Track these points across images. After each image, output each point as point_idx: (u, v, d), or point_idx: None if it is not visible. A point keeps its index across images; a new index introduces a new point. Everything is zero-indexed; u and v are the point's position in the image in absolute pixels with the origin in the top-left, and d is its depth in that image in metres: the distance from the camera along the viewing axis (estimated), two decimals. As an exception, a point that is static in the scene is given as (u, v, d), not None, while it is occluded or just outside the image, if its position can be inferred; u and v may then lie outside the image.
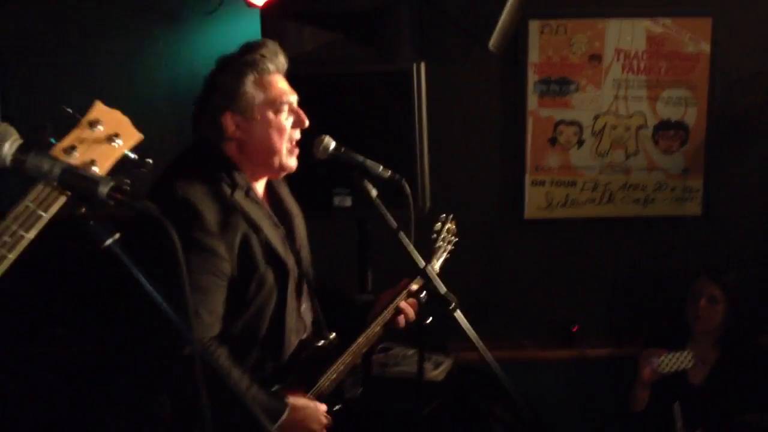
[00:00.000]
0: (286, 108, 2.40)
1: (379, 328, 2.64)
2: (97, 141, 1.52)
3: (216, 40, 3.99)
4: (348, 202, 3.52)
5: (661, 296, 4.21)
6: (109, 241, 1.31)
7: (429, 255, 2.76)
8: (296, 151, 2.46)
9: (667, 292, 4.13)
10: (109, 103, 1.57)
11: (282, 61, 2.43)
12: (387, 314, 2.65)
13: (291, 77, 2.50)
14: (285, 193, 2.64)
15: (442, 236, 2.85)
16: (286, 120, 2.41)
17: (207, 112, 2.38)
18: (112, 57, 4.09)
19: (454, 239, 2.91)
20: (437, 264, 2.81)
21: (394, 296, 2.67)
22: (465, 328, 2.42)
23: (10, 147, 1.38)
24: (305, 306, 2.60)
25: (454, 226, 2.92)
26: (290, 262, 2.47)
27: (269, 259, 2.37)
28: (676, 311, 3.81)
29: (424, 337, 2.76)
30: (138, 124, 1.64)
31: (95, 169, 1.48)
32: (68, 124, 1.51)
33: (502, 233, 4.32)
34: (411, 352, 3.91)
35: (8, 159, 1.39)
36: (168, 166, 2.38)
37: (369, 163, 2.49)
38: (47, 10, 4.04)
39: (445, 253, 2.86)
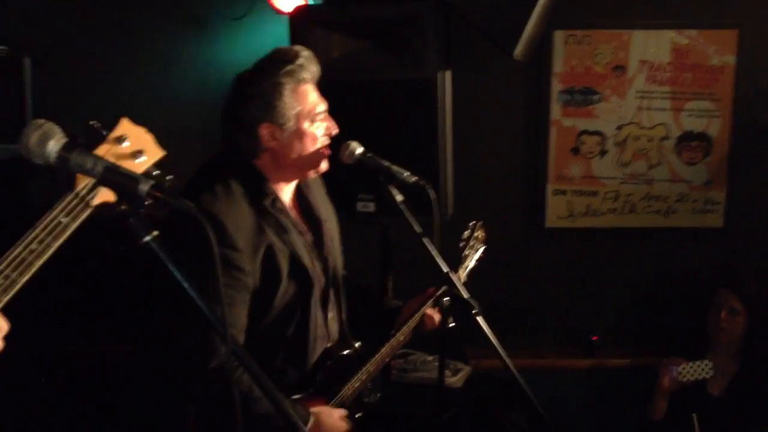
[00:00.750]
0: (320, 118, 2.42)
1: (403, 337, 2.66)
2: (123, 157, 1.57)
3: (244, 45, 4.04)
4: (371, 207, 3.56)
5: (682, 307, 4.21)
6: (147, 238, 1.35)
7: (457, 262, 2.78)
8: (327, 152, 2.47)
9: (687, 303, 4.13)
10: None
11: (315, 69, 2.43)
12: (412, 323, 2.67)
13: (318, 83, 2.53)
14: (316, 196, 2.63)
15: (471, 243, 2.87)
16: (318, 129, 2.42)
17: (243, 122, 2.36)
18: (141, 61, 4.16)
19: (483, 246, 2.93)
20: (464, 272, 2.83)
21: (420, 304, 2.69)
22: (487, 334, 2.44)
23: (55, 144, 1.43)
24: (332, 314, 2.60)
25: (483, 234, 2.94)
26: (316, 271, 2.48)
27: (294, 269, 2.38)
28: (697, 322, 3.82)
29: (445, 343, 2.77)
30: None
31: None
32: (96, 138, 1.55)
33: (524, 241, 4.34)
34: (430, 358, 3.93)
35: (53, 156, 1.43)
36: (194, 176, 2.39)
37: (394, 168, 2.52)
38: (78, 15, 4.11)
39: (473, 261, 2.88)
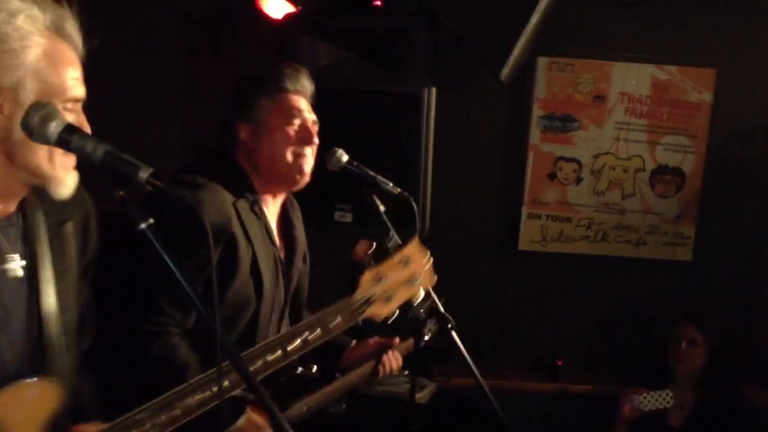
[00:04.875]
0: (296, 121, 2.44)
1: (356, 379, 2.69)
2: (401, 278, 1.82)
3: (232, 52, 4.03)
4: (349, 217, 3.56)
5: (646, 337, 4.27)
6: (143, 225, 1.35)
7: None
8: (306, 167, 2.47)
9: (652, 333, 4.18)
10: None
11: (304, 83, 2.49)
12: (366, 368, 2.72)
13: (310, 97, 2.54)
14: (297, 221, 2.66)
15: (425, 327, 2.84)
16: (294, 132, 2.44)
17: (224, 121, 2.45)
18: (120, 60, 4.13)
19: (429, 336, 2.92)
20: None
21: (379, 349, 2.74)
22: (461, 349, 2.45)
23: (56, 126, 1.43)
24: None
25: (435, 328, 2.91)
26: (278, 286, 2.47)
27: (252, 272, 2.37)
28: (659, 353, 3.87)
29: (412, 360, 2.78)
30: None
31: (391, 305, 1.77)
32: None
33: (495, 262, 4.37)
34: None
35: (54, 137, 1.43)
36: (177, 170, 2.40)
37: (379, 179, 2.53)
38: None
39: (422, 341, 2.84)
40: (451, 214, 4.08)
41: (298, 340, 1.93)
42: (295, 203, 2.66)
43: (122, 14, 4.17)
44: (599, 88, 4.31)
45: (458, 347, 2.46)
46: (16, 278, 1.64)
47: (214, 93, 2.83)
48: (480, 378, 2.45)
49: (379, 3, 3.80)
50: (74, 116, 1.61)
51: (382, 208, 2.52)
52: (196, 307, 1.39)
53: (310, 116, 2.48)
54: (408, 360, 3.87)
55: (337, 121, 3.44)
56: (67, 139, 1.43)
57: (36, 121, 1.46)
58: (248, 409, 2.30)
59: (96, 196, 1.87)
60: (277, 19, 3.81)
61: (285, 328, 2.55)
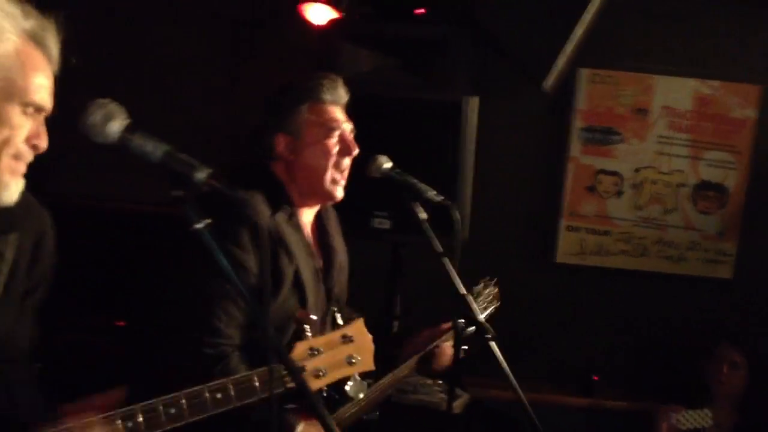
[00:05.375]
0: (336, 134, 2.43)
1: (407, 371, 2.64)
2: (339, 354, 1.79)
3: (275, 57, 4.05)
4: (387, 224, 3.55)
5: (685, 354, 4.19)
6: (199, 225, 1.36)
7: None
8: (343, 181, 2.47)
9: (690, 351, 4.11)
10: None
11: (341, 93, 2.47)
12: (415, 360, 2.67)
13: (345, 105, 2.53)
14: (333, 228, 2.64)
15: (484, 299, 2.84)
16: (334, 145, 2.43)
17: (261, 132, 2.43)
18: (154, 64, 4.17)
19: (496, 304, 2.90)
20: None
21: (430, 338, 2.68)
22: (499, 360, 2.41)
23: (118, 125, 1.44)
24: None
25: (495, 289, 2.91)
26: (319, 296, 2.46)
27: (295, 285, 2.36)
28: (698, 371, 3.80)
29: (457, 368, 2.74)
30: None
31: (321, 381, 1.76)
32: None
33: (532, 273, 4.33)
34: (430, 381, 3.90)
35: (115, 136, 1.45)
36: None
37: (421, 186, 2.52)
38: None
39: (482, 317, 2.82)
40: (488, 224, 4.05)
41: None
42: (331, 211, 2.64)
43: (166, 17, 4.23)
44: (641, 101, 4.26)
45: (497, 359, 2.42)
46: None
47: (256, 97, 2.83)
48: (519, 391, 2.42)
49: (421, 11, 3.81)
50: (33, 124, 1.61)
51: (423, 216, 2.50)
52: (250, 309, 1.38)
53: (348, 126, 2.47)
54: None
55: (377, 129, 3.44)
56: (129, 138, 1.45)
57: (98, 120, 1.47)
58: (301, 423, 2.30)
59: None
60: (320, 26, 3.82)
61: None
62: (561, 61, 3.29)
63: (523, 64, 3.41)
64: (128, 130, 1.46)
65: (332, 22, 3.78)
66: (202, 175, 1.38)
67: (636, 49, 4.26)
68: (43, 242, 1.82)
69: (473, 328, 2.49)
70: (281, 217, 2.36)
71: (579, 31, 3.24)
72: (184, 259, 2.19)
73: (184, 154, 1.38)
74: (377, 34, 3.67)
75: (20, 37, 1.57)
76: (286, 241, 2.33)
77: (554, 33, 3.29)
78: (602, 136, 4.28)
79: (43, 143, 1.61)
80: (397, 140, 3.38)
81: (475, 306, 2.47)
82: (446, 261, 2.47)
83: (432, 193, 2.52)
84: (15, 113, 1.58)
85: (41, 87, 1.61)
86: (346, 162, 2.46)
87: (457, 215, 2.50)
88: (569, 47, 3.29)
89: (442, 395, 3.79)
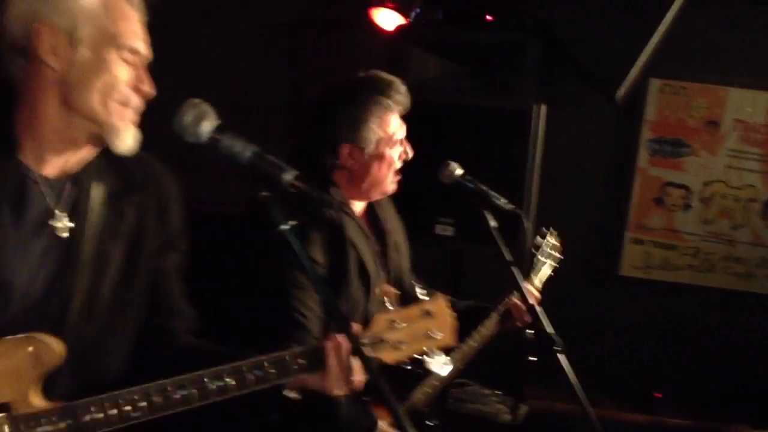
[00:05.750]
0: (399, 144, 2.47)
1: (491, 329, 2.64)
2: (419, 328, 1.78)
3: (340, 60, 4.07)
4: (450, 231, 3.53)
5: (750, 373, 4.09)
6: (284, 226, 1.37)
7: (529, 269, 2.76)
8: (397, 177, 2.51)
9: (757, 370, 4.00)
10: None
11: (406, 101, 2.48)
12: (495, 316, 2.67)
13: (411, 102, 2.52)
14: (386, 211, 2.66)
15: (546, 251, 2.84)
16: (397, 155, 2.47)
17: (326, 139, 2.42)
18: (226, 64, 4.21)
19: (559, 257, 2.89)
20: (538, 280, 2.80)
21: (497, 305, 2.69)
22: (567, 372, 2.38)
23: (208, 125, 1.47)
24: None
25: (556, 242, 2.90)
26: (376, 276, 2.48)
27: (359, 272, 2.39)
28: (764, 390, 3.70)
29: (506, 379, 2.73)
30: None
31: (400, 353, 1.76)
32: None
33: (595, 286, 4.27)
34: (487, 391, 3.87)
35: (205, 136, 1.47)
36: None
37: (492, 194, 2.51)
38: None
39: (548, 269, 2.84)
40: (552, 233, 4.00)
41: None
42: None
43: (228, 19, 4.27)
44: (713, 114, 4.16)
45: (565, 370, 2.39)
46: (61, 237, 1.67)
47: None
48: (587, 403, 2.38)
49: (490, 17, 3.79)
50: (133, 70, 1.65)
51: (493, 223, 2.49)
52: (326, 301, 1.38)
53: (404, 131, 2.50)
54: (501, 380, 3.83)
55: (443, 134, 3.45)
56: (218, 138, 1.48)
57: (189, 120, 1.50)
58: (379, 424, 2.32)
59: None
60: (388, 31, 3.83)
61: None
62: (635, 72, 3.23)
63: (594, 73, 3.35)
64: (218, 130, 1.49)
65: (401, 27, 3.78)
66: (289, 176, 1.39)
67: (709, 60, 4.16)
68: (168, 205, 1.86)
69: (532, 331, 2.47)
70: (336, 209, 2.39)
71: (655, 41, 3.17)
72: (265, 257, 2.21)
73: (271, 155, 1.38)
74: (446, 41, 3.66)
75: None
76: (346, 232, 2.37)
77: (629, 43, 3.23)
78: (671, 148, 4.19)
79: (148, 88, 1.64)
80: (463, 147, 3.38)
81: (545, 319, 2.44)
82: (516, 270, 2.45)
83: (503, 201, 2.51)
84: (113, 58, 1.62)
85: (133, 32, 1.64)
86: (399, 164, 2.50)
87: (526, 224, 2.49)
88: (644, 58, 3.22)
89: (500, 405, 3.76)
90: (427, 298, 1.85)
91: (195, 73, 4.18)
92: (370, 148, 2.40)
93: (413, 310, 1.82)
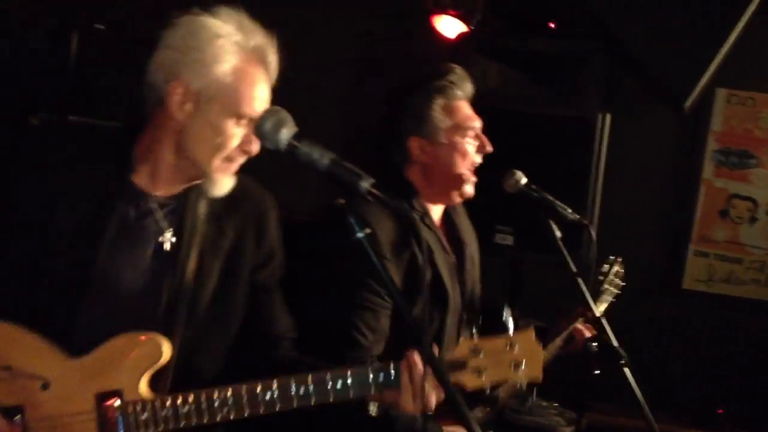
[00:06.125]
0: (471, 133, 2.40)
1: (550, 355, 2.58)
2: (502, 358, 1.77)
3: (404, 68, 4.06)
4: (509, 240, 3.50)
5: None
6: (360, 235, 1.37)
7: (594, 297, 2.70)
8: (474, 178, 2.44)
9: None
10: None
11: (469, 87, 2.43)
12: (559, 341, 2.61)
13: (473, 110, 2.49)
14: (462, 221, 2.61)
15: (610, 279, 2.79)
16: (470, 145, 2.40)
17: (393, 134, 2.39)
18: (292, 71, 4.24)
19: (621, 284, 2.83)
20: (601, 307, 2.75)
21: (569, 322, 2.62)
22: (632, 386, 2.34)
23: (287, 132, 1.49)
24: (464, 337, 2.56)
25: (622, 270, 2.84)
26: (454, 291, 2.44)
27: (434, 286, 2.35)
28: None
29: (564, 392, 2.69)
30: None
31: (482, 380, 1.77)
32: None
33: (656, 299, 4.19)
34: (545, 403, 3.82)
35: (284, 143, 1.49)
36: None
37: (558, 203, 2.47)
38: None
39: (611, 297, 2.79)
40: (614, 244, 3.90)
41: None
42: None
43: (288, 30, 4.30)
44: (782, 125, 4.07)
45: (629, 384, 2.35)
46: (166, 251, 1.87)
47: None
48: (651, 419, 2.33)
49: (553, 25, 3.76)
50: (245, 132, 1.81)
51: (558, 234, 2.46)
52: (404, 314, 1.37)
53: (478, 122, 2.42)
54: (560, 392, 3.77)
55: (506, 142, 3.41)
56: (296, 145, 1.49)
57: (269, 127, 1.53)
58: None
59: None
60: (450, 39, 3.82)
61: (464, 333, 2.52)
62: (703, 82, 3.17)
63: (661, 82, 3.30)
64: (296, 137, 1.50)
65: (462, 35, 3.78)
66: (366, 184, 1.39)
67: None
68: (266, 224, 2.03)
69: (595, 344, 2.43)
70: (414, 218, 2.33)
71: (724, 50, 3.11)
72: (330, 269, 2.22)
73: (349, 162, 1.38)
74: (508, 48, 3.64)
75: (241, 56, 1.81)
76: (422, 243, 2.32)
77: (697, 52, 3.17)
78: (738, 160, 4.11)
79: (254, 149, 1.82)
80: (524, 155, 3.33)
81: (610, 330, 2.40)
82: (580, 281, 2.41)
83: (568, 212, 2.47)
84: (229, 124, 1.80)
85: (256, 99, 1.81)
86: (479, 160, 2.43)
87: (593, 235, 2.45)
88: (713, 67, 3.16)
89: (558, 418, 3.71)
90: (511, 325, 1.85)
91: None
92: (440, 138, 2.34)
93: (500, 341, 1.81)
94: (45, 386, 1.71)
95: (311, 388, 1.71)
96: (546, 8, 3.75)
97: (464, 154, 2.38)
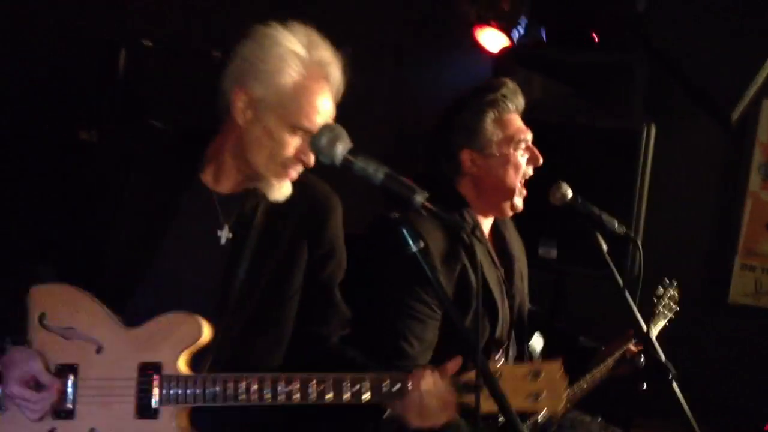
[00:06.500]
0: (523, 145, 2.42)
1: (600, 374, 2.57)
2: (522, 387, 1.78)
3: (445, 80, 4.08)
4: (553, 254, 3.48)
5: None
6: (414, 249, 1.38)
7: (648, 318, 2.68)
8: (524, 191, 2.46)
9: None
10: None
11: (521, 101, 2.46)
12: (611, 361, 2.59)
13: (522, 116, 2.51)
14: (510, 234, 2.63)
15: (665, 302, 2.76)
16: (521, 157, 2.42)
17: (445, 147, 2.42)
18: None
19: (675, 308, 2.80)
20: (655, 330, 2.72)
21: (620, 343, 2.60)
22: (681, 401, 2.32)
23: (343, 147, 1.51)
24: (512, 353, 2.56)
25: (676, 294, 2.81)
26: (503, 304, 2.45)
27: (485, 299, 2.37)
28: None
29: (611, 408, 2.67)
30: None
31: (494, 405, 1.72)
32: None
33: (702, 313, 4.12)
34: (588, 419, 3.77)
35: (339, 158, 1.51)
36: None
37: (605, 217, 2.46)
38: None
39: (664, 321, 2.76)
40: (658, 257, 3.88)
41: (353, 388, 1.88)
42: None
43: (338, 39, 4.34)
44: (831, 137, 4.01)
45: (678, 399, 2.33)
46: (222, 246, 2.02)
47: (427, 122, 2.85)
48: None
49: (596, 37, 3.74)
50: (300, 143, 1.92)
51: (605, 247, 2.45)
52: (457, 327, 1.38)
53: (529, 134, 2.45)
54: (605, 406, 3.73)
55: (549, 155, 3.40)
56: (351, 160, 1.52)
57: (324, 142, 1.56)
58: None
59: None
60: (494, 53, 3.83)
61: (512, 348, 2.53)
62: (750, 93, 3.13)
63: (706, 94, 3.26)
64: (352, 152, 1.52)
65: (506, 49, 3.78)
66: (420, 197, 1.41)
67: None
68: (326, 224, 2.13)
69: (643, 358, 2.41)
70: (466, 231, 2.31)
71: (773, 59, 3.07)
72: (380, 278, 2.23)
73: (403, 176, 1.40)
74: (551, 61, 3.63)
75: (303, 70, 1.91)
76: (474, 255, 2.33)
77: (743, 63, 3.13)
78: (785, 172, 4.05)
79: (309, 160, 1.92)
80: (568, 167, 3.31)
81: (658, 346, 2.38)
82: (628, 296, 2.40)
83: (617, 225, 2.46)
84: (284, 133, 1.91)
85: (314, 113, 1.91)
86: (530, 172, 2.46)
87: (640, 250, 2.44)
88: (760, 79, 3.12)
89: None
90: (538, 346, 1.84)
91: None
92: (491, 150, 2.37)
93: (522, 369, 1.81)
94: (99, 350, 1.88)
95: (330, 387, 1.80)
96: (589, 20, 3.74)
97: (516, 167, 2.40)
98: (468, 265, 2.32)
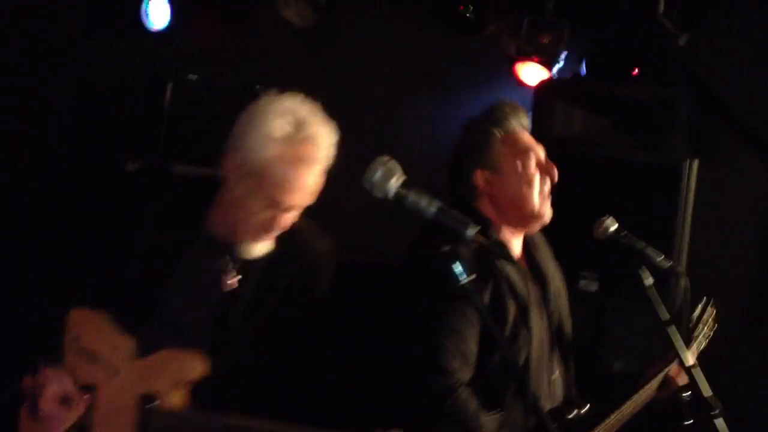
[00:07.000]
0: (533, 159, 2.44)
1: (643, 398, 2.52)
2: None
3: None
4: (594, 287, 3.46)
5: None
6: (465, 281, 1.40)
7: (686, 343, 2.64)
8: (549, 200, 2.46)
9: None
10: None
11: (524, 118, 2.51)
12: (654, 383, 2.54)
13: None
14: (542, 255, 2.61)
15: (702, 325, 2.72)
16: (534, 171, 2.43)
17: (458, 173, 2.47)
18: (378, 117, 4.32)
19: (714, 328, 2.77)
20: (694, 354, 2.68)
21: (663, 366, 2.57)
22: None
23: (396, 181, 1.55)
24: (555, 375, 2.52)
25: (714, 314, 2.78)
26: (542, 326, 2.43)
27: (520, 319, 2.35)
28: None
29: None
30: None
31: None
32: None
33: (744, 351, 4.05)
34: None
35: (392, 192, 1.55)
36: (419, 232, 2.41)
37: (650, 250, 2.45)
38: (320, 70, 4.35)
39: (704, 343, 2.72)
40: (701, 293, 3.83)
41: None
42: (538, 235, 2.60)
43: (381, 73, 4.38)
44: None
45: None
46: (225, 292, 2.16)
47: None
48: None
49: (636, 71, 3.75)
50: (272, 213, 2.06)
51: (650, 281, 2.43)
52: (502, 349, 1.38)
53: (540, 150, 2.48)
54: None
55: (590, 189, 3.40)
56: (405, 194, 1.55)
57: (379, 177, 1.60)
58: None
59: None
60: (533, 86, 3.84)
61: (556, 365, 2.51)
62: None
63: (750, 129, 3.25)
64: (405, 185, 1.56)
65: (545, 82, 3.80)
66: (472, 232, 1.44)
67: None
68: (319, 271, 2.28)
69: (689, 393, 2.37)
70: (494, 254, 2.33)
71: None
72: (420, 299, 2.25)
73: (455, 210, 1.42)
74: (591, 94, 3.64)
75: (286, 147, 2.04)
76: (505, 276, 2.34)
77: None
78: (830, 207, 3.98)
79: (282, 227, 2.12)
80: (609, 202, 3.30)
81: (702, 379, 2.34)
82: (673, 330, 2.37)
83: (661, 259, 2.45)
84: (257, 202, 2.06)
85: (290, 187, 2.05)
86: (548, 185, 2.46)
87: (686, 283, 2.42)
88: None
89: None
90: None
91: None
92: (501, 167, 2.41)
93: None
94: (114, 376, 2.03)
95: None
96: (630, 53, 3.75)
97: (529, 181, 2.42)
98: (502, 286, 2.31)
